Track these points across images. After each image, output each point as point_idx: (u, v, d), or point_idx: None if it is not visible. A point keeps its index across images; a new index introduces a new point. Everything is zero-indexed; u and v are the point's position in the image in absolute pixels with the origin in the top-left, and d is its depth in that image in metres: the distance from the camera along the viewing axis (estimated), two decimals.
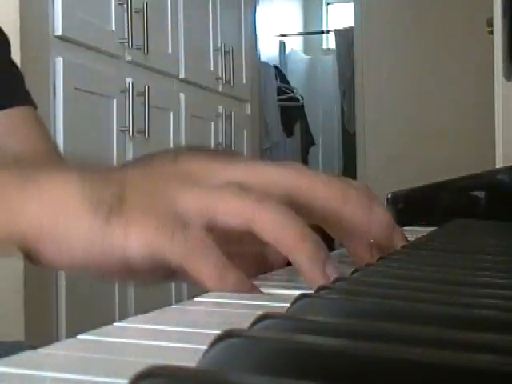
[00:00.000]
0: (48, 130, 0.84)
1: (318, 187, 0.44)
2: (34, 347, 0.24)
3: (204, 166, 0.43)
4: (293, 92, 4.64)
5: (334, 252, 0.60)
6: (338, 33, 4.83)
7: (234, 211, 0.39)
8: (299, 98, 4.67)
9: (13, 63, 0.86)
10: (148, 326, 0.28)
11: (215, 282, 0.38)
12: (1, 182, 0.40)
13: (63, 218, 0.39)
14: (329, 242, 0.42)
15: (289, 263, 0.41)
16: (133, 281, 0.49)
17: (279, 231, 0.39)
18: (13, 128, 0.79)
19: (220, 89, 2.75)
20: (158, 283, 0.46)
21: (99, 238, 0.38)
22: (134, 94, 2.08)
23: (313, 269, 0.38)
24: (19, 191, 0.39)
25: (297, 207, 0.41)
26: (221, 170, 0.43)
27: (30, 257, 0.40)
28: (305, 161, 4.68)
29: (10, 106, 0.80)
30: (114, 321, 0.29)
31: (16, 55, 1.35)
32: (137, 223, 0.38)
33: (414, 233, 0.69)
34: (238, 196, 0.39)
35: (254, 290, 0.38)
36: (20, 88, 0.84)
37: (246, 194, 0.40)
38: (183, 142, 2.44)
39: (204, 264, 0.38)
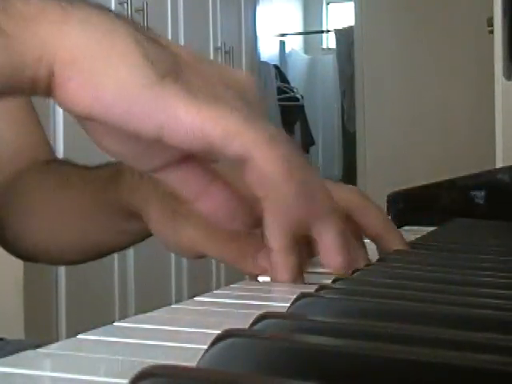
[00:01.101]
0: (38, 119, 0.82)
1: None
2: (35, 346, 0.24)
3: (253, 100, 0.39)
4: (293, 92, 4.63)
5: None
6: (338, 32, 4.82)
7: (269, 167, 0.36)
8: (299, 97, 4.67)
9: None
10: (148, 326, 0.28)
11: (279, 181, 0.35)
12: (42, 7, 0.34)
13: (112, 54, 0.34)
14: None
15: None
16: (220, 254, 0.45)
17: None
18: None
19: None
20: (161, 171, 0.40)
21: (147, 91, 0.33)
22: None
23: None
24: (60, 16, 0.34)
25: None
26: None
27: (44, 89, 0.34)
28: None
29: None
30: (113, 320, 0.29)
31: None
32: (195, 94, 0.34)
33: (414, 233, 0.69)
34: (283, 159, 0.36)
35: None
36: None
37: (291, 163, 0.37)
38: None
39: (276, 157, 0.35)
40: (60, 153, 1.77)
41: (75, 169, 0.64)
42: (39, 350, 0.23)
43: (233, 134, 0.34)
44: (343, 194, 0.48)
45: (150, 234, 0.55)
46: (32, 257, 0.69)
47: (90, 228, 0.62)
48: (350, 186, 0.52)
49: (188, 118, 0.34)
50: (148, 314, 0.30)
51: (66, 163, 0.68)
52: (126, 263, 2.07)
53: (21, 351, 0.23)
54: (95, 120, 0.35)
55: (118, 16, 0.36)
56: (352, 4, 4.11)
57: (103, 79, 0.33)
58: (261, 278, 0.41)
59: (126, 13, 2.08)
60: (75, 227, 0.64)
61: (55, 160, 0.72)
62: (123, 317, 0.31)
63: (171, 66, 0.34)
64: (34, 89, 0.35)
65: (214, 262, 2.64)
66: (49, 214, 0.64)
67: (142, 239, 0.60)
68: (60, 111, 1.81)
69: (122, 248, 0.65)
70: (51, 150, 0.76)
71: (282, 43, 5.04)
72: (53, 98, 0.35)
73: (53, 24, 0.34)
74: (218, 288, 0.39)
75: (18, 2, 0.34)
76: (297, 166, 0.37)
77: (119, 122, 0.34)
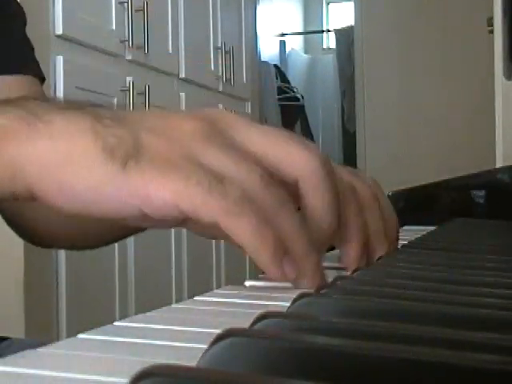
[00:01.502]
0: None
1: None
2: (36, 346, 0.24)
3: (230, 119, 0.40)
4: (293, 91, 4.64)
5: (333, 252, 0.60)
6: (338, 32, 4.82)
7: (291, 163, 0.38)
8: (299, 97, 4.67)
9: (24, 34, 0.85)
10: (148, 326, 0.28)
11: (253, 241, 0.35)
12: (7, 127, 0.37)
13: (73, 158, 0.36)
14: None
15: None
16: (134, 228, 0.46)
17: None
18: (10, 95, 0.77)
19: (220, 88, 2.75)
20: (161, 228, 0.42)
21: (112, 183, 0.35)
22: (135, 93, 2.08)
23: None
24: (28, 138, 0.36)
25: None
26: (242, 128, 0.40)
27: (27, 198, 0.38)
28: None
29: (13, 72, 0.79)
30: (114, 320, 0.29)
31: None
32: (161, 171, 0.35)
33: (414, 233, 0.69)
34: (265, 188, 0.37)
35: (289, 262, 0.36)
36: (27, 57, 0.84)
37: (272, 188, 0.37)
38: None
39: (243, 221, 0.35)
40: None
41: None
42: (39, 350, 0.23)
43: (199, 206, 0.35)
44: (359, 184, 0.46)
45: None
46: (48, 242, 0.71)
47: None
48: (372, 179, 0.49)
49: (158, 195, 0.35)
50: (148, 314, 0.30)
51: None
52: (126, 263, 2.07)
53: (21, 351, 0.23)
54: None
55: (80, 108, 0.38)
56: (352, 4, 4.11)
57: (73, 184, 0.36)
58: (248, 283, 0.40)
59: (126, 12, 2.08)
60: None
61: None
62: (123, 317, 0.31)
63: (131, 148, 0.36)
64: (16, 199, 0.39)
65: (214, 262, 2.64)
66: None
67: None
68: None
69: (132, 233, 0.66)
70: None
71: (282, 43, 5.04)
72: (37, 200, 0.38)
73: (20, 142, 0.37)
74: (218, 288, 0.39)
75: None
76: (274, 213, 0.36)
77: (102, 215, 0.37)
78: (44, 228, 0.69)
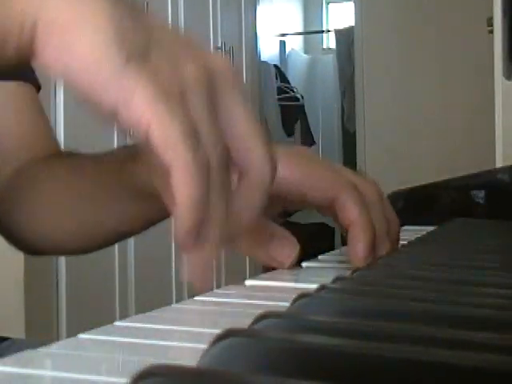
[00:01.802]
0: (45, 115, 0.82)
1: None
2: (36, 346, 0.24)
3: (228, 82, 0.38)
4: (293, 91, 4.63)
5: (334, 252, 0.60)
6: (338, 32, 4.82)
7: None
8: (299, 97, 4.66)
9: None
10: (148, 326, 0.28)
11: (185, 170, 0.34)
12: None
13: (84, 24, 0.35)
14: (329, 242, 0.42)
15: None
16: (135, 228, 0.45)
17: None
18: (2, 102, 0.76)
19: None
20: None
21: (108, 71, 0.34)
22: None
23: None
24: None
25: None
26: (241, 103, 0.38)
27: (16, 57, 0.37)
28: None
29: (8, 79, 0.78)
30: (114, 320, 0.29)
31: None
32: (151, 86, 0.34)
33: (414, 233, 0.69)
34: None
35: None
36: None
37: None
38: None
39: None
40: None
41: (87, 156, 0.64)
42: (40, 350, 0.23)
43: (170, 145, 0.33)
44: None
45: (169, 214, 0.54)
46: (38, 249, 0.70)
47: (102, 215, 0.62)
48: (370, 180, 0.50)
49: (138, 109, 0.34)
50: (148, 314, 0.30)
51: (75, 153, 0.68)
52: (126, 263, 2.07)
53: (22, 351, 0.23)
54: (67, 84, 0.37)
55: None
56: (352, 4, 4.11)
57: (74, 49, 0.35)
58: (248, 283, 0.40)
59: None
60: (87, 215, 0.64)
61: (62, 152, 0.72)
62: (123, 317, 0.31)
63: (141, 48, 0.35)
64: (18, 55, 0.37)
65: (214, 262, 2.64)
66: (60, 203, 0.64)
67: (163, 218, 0.59)
68: (61, 110, 1.81)
69: (137, 232, 0.65)
70: (57, 142, 0.77)
71: (282, 43, 5.04)
72: (33, 62, 0.37)
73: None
74: (218, 288, 0.39)
75: None
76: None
77: (83, 91, 0.37)
78: (34, 232, 0.67)
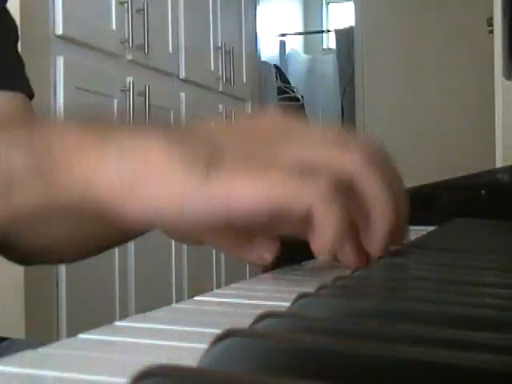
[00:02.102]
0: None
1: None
2: (36, 346, 0.24)
3: (283, 124, 0.40)
4: (293, 91, 4.63)
5: None
6: (338, 32, 4.82)
7: (343, 162, 0.38)
8: (299, 97, 4.67)
9: (15, 49, 0.84)
10: (148, 325, 0.28)
11: (339, 233, 0.36)
12: (76, 139, 0.37)
13: (151, 176, 0.36)
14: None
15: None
16: (218, 242, 0.45)
17: (383, 188, 0.39)
18: None
19: (220, 88, 2.75)
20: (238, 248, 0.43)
21: (197, 193, 0.35)
22: (135, 93, 2.08)
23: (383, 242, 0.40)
24: (98, 150, 0.36)
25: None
26: (301, 130, 0.40)
27: (98, 216, 0.37)
28: None
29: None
30: (114, 320, 0.29)
31: None
32: (246, 174, 0.35)
33: (414, 233, 0.69)
34: (343, 149, 0.38)
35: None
36: (14, 73, 0.83)
37: (353, 152, 0.38)
38: None
39: (337, 210, 0.35)
40: None
41: None
42: (39, 350, 0.23)
43: (294, 196, 0.35)
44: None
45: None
46: (32, 260, 0.69)
47: (77, 231, 0.61)
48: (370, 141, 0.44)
49: (247, 201, 0.35)
50: (148, 314, 0.30)
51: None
52: (126, 263, 2.07)
53: (22, 351, 0.23)
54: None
55: (148, 127, 0.38)
56: (352, 4, 4.11)
57: (156, 200, 0.36)
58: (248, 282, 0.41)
59: (126, 12, 2.08)
60: (68, 228, 0.63)
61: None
62: (123, 317, 0.31)
63: (210, 157, 0.36)
64: (82, 212, 0.39)
65: (214, 262, 2.64)
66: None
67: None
68: (61, 111, 1.81)
69: (127, 240, 0.65)
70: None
71: (282, 43, 5.04)
72: (105, 214, 0.37)
73: (92, 159, 0.36)
74: (218, 288, 0.39)
75: (57, 140, 0.36)
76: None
77: (187, 225, 0.37)
78: (28, 242, 0.66)
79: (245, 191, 0.35)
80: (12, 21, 0.83)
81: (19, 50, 0.85)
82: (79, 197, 0.37)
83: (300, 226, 0.38)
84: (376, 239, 0.40)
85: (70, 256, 0.68)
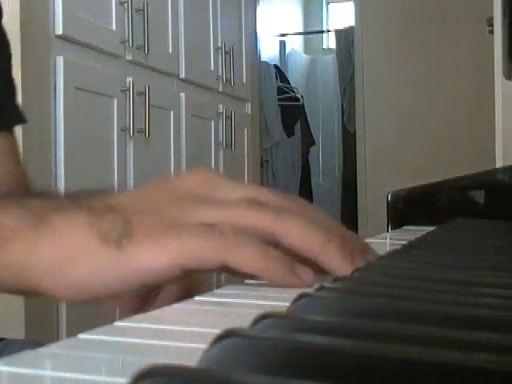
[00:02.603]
0: (19, 159, 0.82)
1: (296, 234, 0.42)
2: (36, 346, 0.24)
3: (201, 182, 0.44)
4: (293, 91, 4.63)
5: None
6: (338, 32, 4.82)
7: (255, 224, 0.40)
8: (299, 97, 4.67)
9: (8, 73, 0.82)
10: (148, 326, 0.28)
11: (259, 266, 0.38)
12: (15, 229, 0.40)
13: (75, 253, 0.39)
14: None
15: None
16: (146, 305, 0.49)
17: (302, 236, 0.40)
18: None
19: (220, 88, 2.75)
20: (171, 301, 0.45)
21: (112, 265, 0.38)
22: (135, 93, 2.08)
23: (341, 266, 0.40)
24: (34, 241, 0.39)
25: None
26: (230, 185, 0.43)
27: (36, 294, 0.41)
28: (305, 160, 4.68)
29: None
30: (114, 320, 0.29)
31: (16, 55, 1.35)
32: (153, 240, 0.38)
33: (414, 233, 0.69)
34: (256, 209, 0.40)
35: (295, 280, 0.38)
36: (4, 110, 0.81)
37: (264, 206, 0.40)
38: (184, 141, 2.44)
39: (248, 252, 0.38)
40: (61, 176, 1.78)
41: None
42: (39, 350, 0.23)
43: (200, 256, 0.38)
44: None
45: None
46: None
47: None
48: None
49: (158, 264, 0.38)
50: (148, 314, 0.30)
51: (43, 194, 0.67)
52: None
53: (22, 351, 0.23)
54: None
55: (77, 205, 0.42)
56: (352, 4, 4.11)
57: (79, 277, 0.39)
58: (248, 282, 0.41)
59: (126, 12, 2.08)
60: None
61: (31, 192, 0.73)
62: (123, 317, 0.31)
63: (123, 229, 0.39)
64: (21, 294, 0.42)
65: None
66: None
67: None
68: (61, 111, 1.81)
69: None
70: (26, 182, 0.78)
71: (282, 43, 5.04)
72: (43, 296, 0.41)
73: (25, 244, 0.39)
74: (218, 288, 0.39)
75: None
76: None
77: (109, 294, 0.40)
78: None
79: (154, 256, 0.38)
80: (4, 37, 0.81)
81: (17, 49, 0.83)
82: (13, 279, 0.40)
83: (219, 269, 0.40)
84: (336, 269, 0.40)
85: None
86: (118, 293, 0.40)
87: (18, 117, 0.82)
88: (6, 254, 0.39)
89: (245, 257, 0.37)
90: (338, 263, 0.40)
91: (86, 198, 0.43)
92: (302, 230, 0.40)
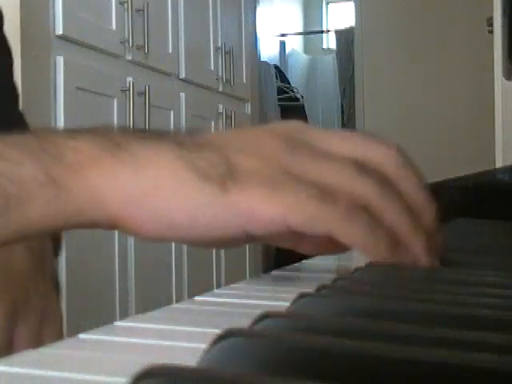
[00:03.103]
0: None
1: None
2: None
3: (308, 131, 0.40)
4: (293, 91, 4.63)
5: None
6: (338, 32, 4.82)
7: (362, 194, 0.37)
8: (299, 97, 4.67)
9: (11, 81, 0.82)
10: (148, 326, 0.28)
11: (369, 247, 0.36)
12: (88, 152, 0.36)
13: (165, 186, 0.35)
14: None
15: None
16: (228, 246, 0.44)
17: (397, 222, 0.38)
18: None
19: (220, 88, 2.75)
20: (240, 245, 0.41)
21: (214, 206, 0.35)
22: (135, 93, 2.08)
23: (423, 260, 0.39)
24: (111, 167, 0.36)
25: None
26: (322, 136, 0.40)
27: (110, 226, 0.37)
28: None
29: None
30: (114, 320, 0.29)
31: (17, 55, 1.35)
32: (263, 188, 0.35)
33: None
34: (361, 176, 0.38)
35: (404, 252, 0.38)
36: (7, 117, 0.81)
37: (369, 174, 0.38)
38: None
39: (357, 228, 0.36)
40: None
41: None
42: (39, 350, 0.23)
43: (312, 219, 0.35)
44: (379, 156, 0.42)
45: None
46: None
47: None
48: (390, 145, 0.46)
49: (267, 214, 0.35)
50: (148, 314, 0.30)
51: None
52: (126, 263, 2.07)
53: None
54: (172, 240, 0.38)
55: (161, 137, 0.37)
56: (352, 4, 4.11)
57: (170, 213, 0.35)
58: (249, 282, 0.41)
59: (126, 12, 2.08)
60: None
61: None
62: (124, 316, 0.31)
63: (225, 170, 0.35)
64: (94, 227, 0.37)
65: (214, 262, 2.64)
66: None
67: None
68: (61, 111, 1.81)
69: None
70: None
71: (282, 43, 5.04)
72: (119, 229, 0.37)
73: (103, 172, 0.35)
74: (218, 288, 0.39)
75: (69, 152, 0.36)
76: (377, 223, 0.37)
77: (199, 238, 0.36)
78: None
79: (264, 205, 0.35)
80: (5, 43, 0.80)
81: (17, 49, 0.84)
82: (90, 209, 0.36)
83: (321, 241, 0.39)
84: (417, 258, 0.39)
85: None
86: (210, 239, 0.37)
87: (20, 125, 0.81)
88: (83, 180, 0.35)
89: (354, 232, 0.36)
90: (421, 257, 0.39)
91: (168, 134, 0.39)
92: (396, 214, 0.38)
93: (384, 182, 0.39)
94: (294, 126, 0.41)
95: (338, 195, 0.36)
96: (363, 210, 0.36)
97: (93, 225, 0.37)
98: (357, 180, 0.37)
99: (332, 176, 0.37)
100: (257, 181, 0.35)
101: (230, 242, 0.39)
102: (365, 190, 0.37)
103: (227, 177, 0.35)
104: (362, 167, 0.38)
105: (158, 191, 0.35)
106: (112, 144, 0.36)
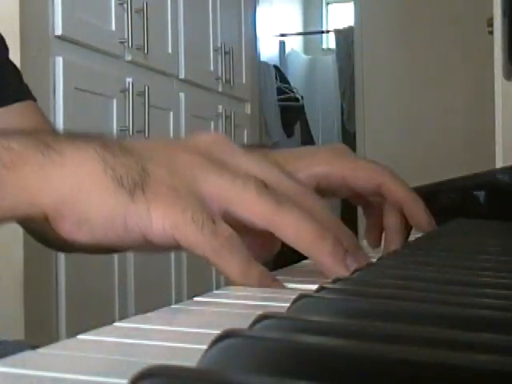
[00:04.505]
0: (49, 120, 0.84)
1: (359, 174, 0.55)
2: (35, 347, 0.24)
3: (224, 147, 0.43)
4: (293, 92, 4.63)
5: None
6: (338, 32, 4.82)
7: (254, 210, 0.40)
8: (299, 97, 4.66)
9: (9, 61, 0.86)
10: (148, 326, 0.28)
11: (239, 279, 0.39)
12: (22, 153, 0.38)
13: (86, 193, 0.38)
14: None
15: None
16: (144, 251, 0.48)
17: (297, 232, 0.40)
18: (15, 123, 0.79)
19: (220, 89, 2.75)
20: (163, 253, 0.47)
21: (123, 213, 0.38)
22: (134, 93, 2.08)
23: (334, 265, 0.40)
24: (41, 165, 0.38)
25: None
26: (242, 154, 0.43)
27: (44, 232, 0.41)
28: None
29: (11, 102, 0.80)
30: (113, 321, 0.29)
31: (16, 55, 1.35)
32: (163, 202, 0.38)
33: (414, 233, 0.69)
34: (259, 194, 0.40)
35: (277, 284, 0.39)
36: (18, 84, 0.84)
37: (268, 192, 0.40)
38: None
39: (230, 261, 0.38)
40: None
41: None
42: (39, 350, 0.23)
43: (192, 241, 0.38)
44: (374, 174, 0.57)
45: None
46: (69, 248, 0.73)
47: None
48: (375, 163, 0.58)
49: (159, 226, 0.38)
50: (148, 314, 0.30)
51: None
52: (125, 263, 2.07)
53: (21, 352, 0.23)
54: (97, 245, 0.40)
55: (92, 140, 0.40)
56: (352, 4, 4.11)
57: (87, 213, 0.38)
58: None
59: (126, 13, 2.08)
60: None
61: None
62: (123, 317, 0.31)
63: (138, 177, 0.38)
64: (31, 221, 0.42)
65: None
66: None
67: None
68: (60, 111, 1.81)
69: None
70: None
71: (282, 43, 5.04)
72: (57, 231, 0.40)
73: (34, 169, 0.38)
74: (218, 288, 0.39)
75: (2, 151, 0.38)
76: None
77: (110, 243, 0.39)
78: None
79: (159, 219, 0.38)
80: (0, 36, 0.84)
81: (16, 49, 0.87)
82: (25, 204, 0.38)
83: None
84: (325, 268, 0.41)
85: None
86: (124, 244, 0.39)
87: (20, 93, 0.84)
88: (17, 178, 0.38)
89: (227, 268, 0.39)
90: (328, 261, 0.40)
91: (98, 137, 0.42)
92: (296, 227, 0.40)
93: (282, 198, 0.41)
94: (212, 139, 0.44)
95: (221, 226, 0.38)
96: (239, 246, 0.39)
97: (30, 218, 0.40)
98: (256, 197, 0.40)
99: (231, 194, 0.40)
100: (162, 193, 0.38)
101: (152, 249, 0.42)
102: (265, 206, 0.40)
103: (139, 185, 0.38)
104: (263, 187, 0.41)
105: (79, 192, 0.38)
106: (43, 144, 0.39)
